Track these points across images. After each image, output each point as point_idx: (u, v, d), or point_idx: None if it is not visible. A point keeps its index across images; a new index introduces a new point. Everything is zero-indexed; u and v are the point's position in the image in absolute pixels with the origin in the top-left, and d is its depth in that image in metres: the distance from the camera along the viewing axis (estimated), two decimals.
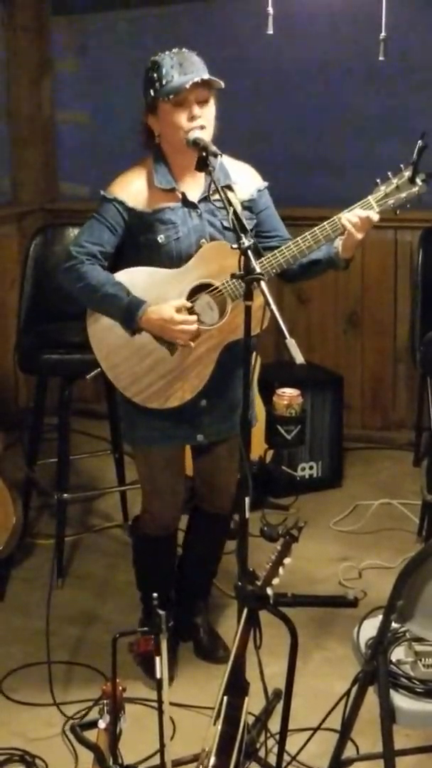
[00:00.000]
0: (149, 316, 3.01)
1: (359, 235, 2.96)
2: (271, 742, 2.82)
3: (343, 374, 5.03)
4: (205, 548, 3.56)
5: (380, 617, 2.42)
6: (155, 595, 2.46)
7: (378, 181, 2.97)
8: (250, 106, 5.19)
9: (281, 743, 2.65)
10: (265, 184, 3.23)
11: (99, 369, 3.16)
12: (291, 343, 2.46)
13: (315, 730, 2.80)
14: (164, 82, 2.97)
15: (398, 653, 2.53)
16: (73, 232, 4.19)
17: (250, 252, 2.60)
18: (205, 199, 3.10)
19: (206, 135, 2.98)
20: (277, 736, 2.67)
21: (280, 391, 4.13)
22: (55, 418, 4.15)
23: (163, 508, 3.35)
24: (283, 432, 4.12)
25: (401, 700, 2.41)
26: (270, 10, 3.08)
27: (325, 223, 2.97)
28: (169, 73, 2.97)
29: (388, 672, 2.41)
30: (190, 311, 3.04)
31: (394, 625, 2.43)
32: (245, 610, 2.49)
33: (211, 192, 3.07)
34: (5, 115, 5.63)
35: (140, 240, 3.10)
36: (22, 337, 4.27)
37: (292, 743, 2.83)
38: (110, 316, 3.07)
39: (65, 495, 4.07)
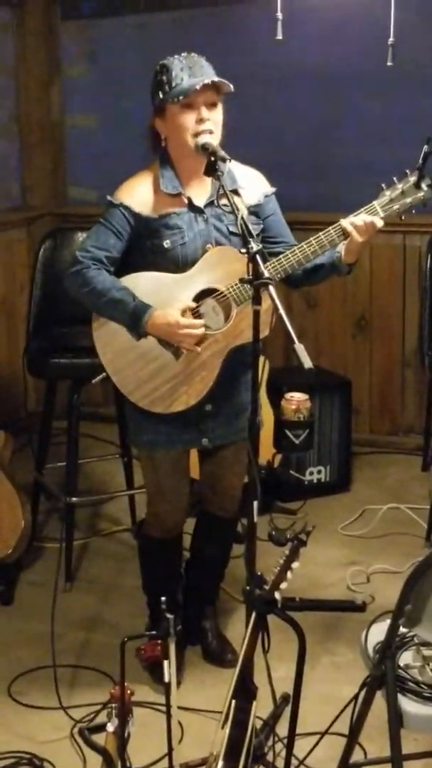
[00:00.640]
0: (155, 320, 3.01)
1: (361, 239, 2.96)
2: (279, 746, 2.82)
3: (352, 379, 5.03)
4: (211, 552, 3.56)
5: (388, 622, 2.42)
6: (163, 599, 2.46)
7: (383, 186, 2.97)
8: (260, 111, 5.20)
9: (289, 747, 2.64)
10: (273, 189, 3.23)
11: (105, 373, 3.17)
12: (299, 347, 2.46)
13: (323, 734, 2.80)
14: (173, 84, 2.98)
15: (406, 658, 2.53)
16: (81, 236, 4.19)
17: (258, 257, 2.61)
18: (211, 203, 3.11)
19: (215, 139, 2.99)
20: (285, 740, 2.67)
21: (288, 395, 4.13)
22: (64, 422, 4.16)
23: (168, 511, 3.36)
24: (291, 436, 4.13)
25: (409, 705, 2.41)
26: (279, 15, 3.09)
27: (330, 228, 2.97)
28: (178, 75, 2.98)
29: (396, 676, 2.41)
30: (196, 315, 3.04)
31: (402, 629, 2.42)
32: (253, 615, 2.49)
33: (217, 197, 3.08)
34: (15, 119, 5.64)
35: (146, 245, 3.11)
36: (31, 341, 4.28)
37: (300, 747, 2.82)
38: (116, 320, 3.08)
39: (73, 499, 4.07)
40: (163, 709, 2.53)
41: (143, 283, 3.08)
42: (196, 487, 3.53)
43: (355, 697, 2.49)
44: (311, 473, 4.81)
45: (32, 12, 5.56)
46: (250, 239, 2.65)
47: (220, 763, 2.35)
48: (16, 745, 3.08)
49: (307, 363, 2.46)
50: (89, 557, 4.30)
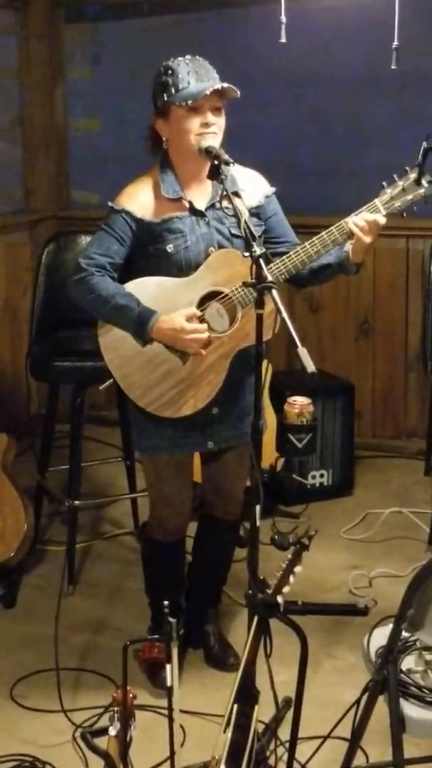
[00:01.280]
0: (160, 326, 3.01)
1: (367, 239, 2.96)
2: (281, 750, 2.82)
3: (355, 383, 5.03)
4: (214, 555, 3.56)
5: (390, 626, 2.41)
6: (166, 602, 2.46)
7: (384, 183, 2.98)
8: (264, 113, 5.20)
9: (291, 751, 2.64)
10: (273, 189, 3.23)
11: (112, 379, 3.17)
12: (302, 351, 2.47)
13: (325, 738, 2.79)
14: (180, 87, 2.98)
15: (408, 662, 2.52)
16: (85, 239, 4.20)
17: (261, 260, 2.61)
18: (212, 206, 3.11)
19: (217, 142, 3.00)
20: (287, 744, 2.67)
21: (291, 399, 4.14)
22: (67, 425, 4.16)
23: (171, 515, 3.36)
24: (294, 440, 4.13)
25: (411, 710, 2.40)
26: (283, 18, 3.09)
27: (332, 227, 2.98)
28: (185, 78, 2.98)
29: (398, 681, 2.41)
30: (201, 320, 3.05)
31: (404, 634, 2.42)
32: (256, 619, 2.49)
33: (218, 199, 3.08)
34: (18, 123, 5.65)
35: (149, 250, 3.11)
36: (34, 344, 4.28)
37: (302, 751, 2.82)
38: (121, 327, 3.08)
39: (76, 502, 4.07)
40: (165, 712, 2.53)
41: (147, 289, 3.09)
42: (199, 490, 3.53)
43: (357, 701, 2.49)
44: (314, 477, 4.81)
45: (36, 15, 5.57)
46: (253, 242, 2.65)
47: (222, 767, 2.35)
48: (18, 749, 3.08)
49: (310, 367, 2.46)
50: (92, 560, 4.30)
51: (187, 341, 3.01)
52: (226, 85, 2.96)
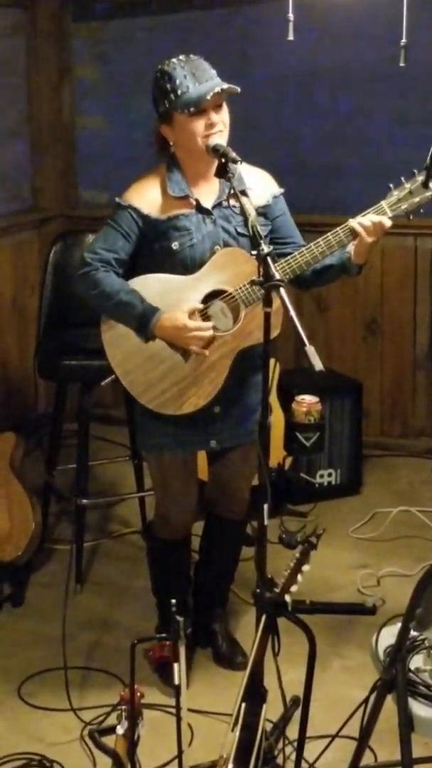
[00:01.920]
0: (163, 323, 3.01)
1: (370, 239, 2.95)
2: (288, 749, 2.82)
3: (362, 381, 5.02)
4: (220, 554, 3.56)
5: (399, 625, 2.41)
6: (173, 601, 2.46)
7: (391, 185, 2.98)
8: (272, 112, 5.20)
9: (299, 750, 2.64)
10: (281, 190, 3.23)
11: (114, 375, 3.17)
12: (310, 350, 2.46)
13: (333, 737, 2.79)
14: (179, 92, 2.97)
15: (417, 661, 2.52)
16: (92, 238, 4.19)
17: (268, 259, 2.61)
18: (219, 204, 3.11)
19: (224, 139, 2.99)
20: (295, 743, 2.67)
21: (299, 398, 4.14)
22: (74, 424, 4.16)
23: (176, 513, 3.36)
24: (301, 439, 4.13)
25: (420, 709, 2.40)
26: (290, 16, 3.08)
27: (338, 228, 2.97)
28: (183, 83, 2.97)
29: (406, 680, 2.40)
30: (204, 317, 3.04)
31: (412, 633, 2.42)
32: (263, 617, 2.49)
33: (225, 198, 3.08)
34: (26, 121, 5.65)
35: (154, 247, 3.11)
36: (42, 343, 4.28)
37: (310, 750, 2.82)
38: (124, 323, 3.08)
39: (84, 501, 4.07)
40: (173, 711, 2.53)
41: (152, 285, 3.09)
42: (205, 490, 3.53)
43: (366, 700, 2.48)
44: (322, 476, 4.80)
45: (43, 14, 5.57)
46: (260, 241, 2.65)
47: (230, 765, 2.35)
48: (26, 747, 3.08)
49: (318, 365, 2.46)
50: (99, 559, 4.30)
51: (189, 339, 3.01)
52: (226, 86, 2.95)
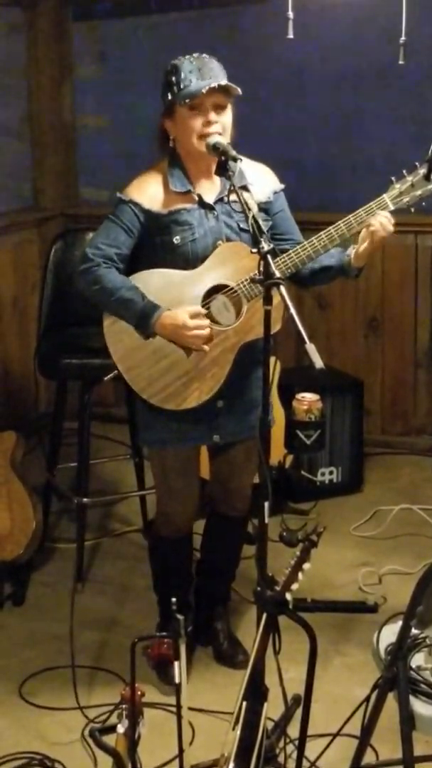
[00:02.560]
0: (163, 321, 3.01)
1: (382, 232, 2.95)
2: (290, 748, 2.81)
3: (364, 379, 5.02)
4: (222, 552, 3.56)
5: (400, 623, 2.41)
6: (174, 599, 2.46)
7: (393, 179, 2.98)
8: (273, 110, 5.19)
9: (300, 749, 2.64)
10: (281, 186, 3.23)
11: (116, 371, 3.17)
12: (311, 347, 2.46)
13: (334, 736, 2.79)
14: (182, 86, 2.98)
15: (418, 659, 2.53)
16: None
17: (269, 256, 2.61)
18: (221, 200, 3.11)
19: (223, 140, 2.99)
20: (296, 742, 2.66)
21: (300, 395, 4.13)
22: (75, 423, 4.16)
23: (178, 510, 3.36)
24: (302, 437, 4.12)
25: (421, 707, 2.41)
26: (290, 14, 3.08)
27: (340, 221, 2.97)
28: (187, 77, 2.98)
29: (408, 678, 2.40)
30: (206, 312, 3.04)
31: (414, 631, 2.42)
32: (264, 616, 2.49)
33: (226, 194, 3.08)
34: (26, 120, 5.65)
35: (156, 242, 3.11)
36: (43, 342, 4.28)
37: (311, 749, 2.82)
38: (125, 319, 3.08)
39: (85, 499, 4.07)
40: (174, 710, 2.53)
41: (153, 281, 3.08)
42: (207, 488, 3.53)
43: (367, 698, 2.48)
44: (323, 474, 4.80)
45: (44, 13, 5.56)
46: (261, 238, 2.65)
47: (231, 764, 2.35)
48: (28, 746, 3.08)
49: (319, 363, 2.46)
50: (101, 558, 4.30)
51: (189, 337, 3.01)
52: (223, 82, 2.95)
